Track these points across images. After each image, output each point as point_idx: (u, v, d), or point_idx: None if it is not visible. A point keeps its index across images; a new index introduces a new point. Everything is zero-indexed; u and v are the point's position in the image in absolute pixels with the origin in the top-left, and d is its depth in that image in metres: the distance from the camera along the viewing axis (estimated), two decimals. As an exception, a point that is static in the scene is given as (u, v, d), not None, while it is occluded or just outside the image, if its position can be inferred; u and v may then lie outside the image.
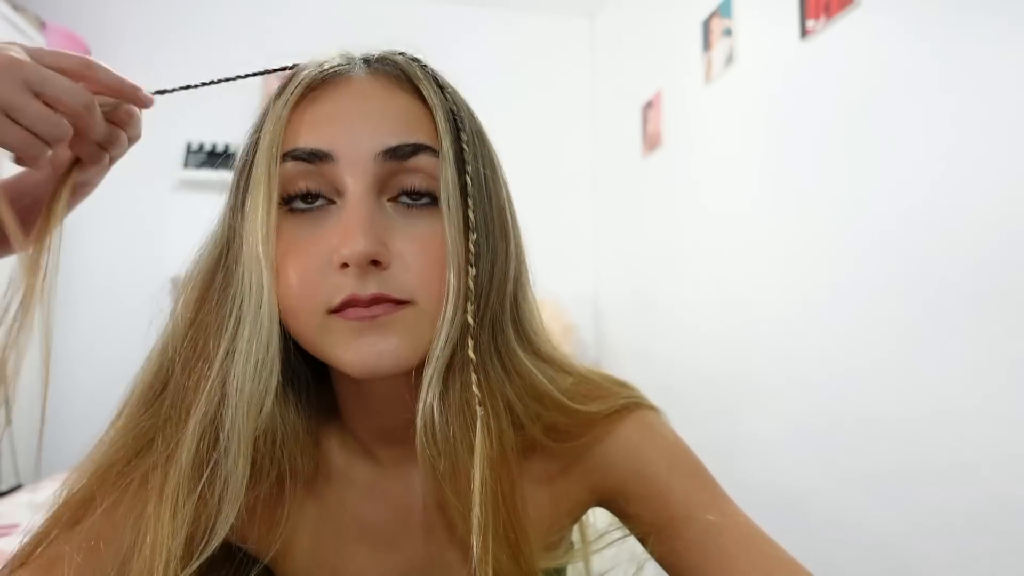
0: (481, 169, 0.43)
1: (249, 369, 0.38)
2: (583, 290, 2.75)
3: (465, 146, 0.42)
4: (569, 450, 0.47)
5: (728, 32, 1.77)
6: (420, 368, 0.40)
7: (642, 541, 0.47)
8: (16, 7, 1.93)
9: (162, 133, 2.40)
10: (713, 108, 1.86)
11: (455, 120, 0.42)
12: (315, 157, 0.39)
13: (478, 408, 0.40)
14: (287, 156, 0.40)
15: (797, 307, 1.48)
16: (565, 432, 0.46)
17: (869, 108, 1.27)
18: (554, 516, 0.49)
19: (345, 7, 2.64)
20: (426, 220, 0.40)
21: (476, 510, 0.39)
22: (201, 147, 2.43)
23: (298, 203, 0.40)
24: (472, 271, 0.40)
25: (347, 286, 0.38)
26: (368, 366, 0.38)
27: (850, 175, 1.32)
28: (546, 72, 2.84)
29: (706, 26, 1.89)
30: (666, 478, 0.46)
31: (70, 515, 0.40)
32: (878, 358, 1.23)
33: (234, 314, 0.39)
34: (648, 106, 2.29)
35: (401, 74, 0.43)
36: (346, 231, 0.38)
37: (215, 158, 2.42)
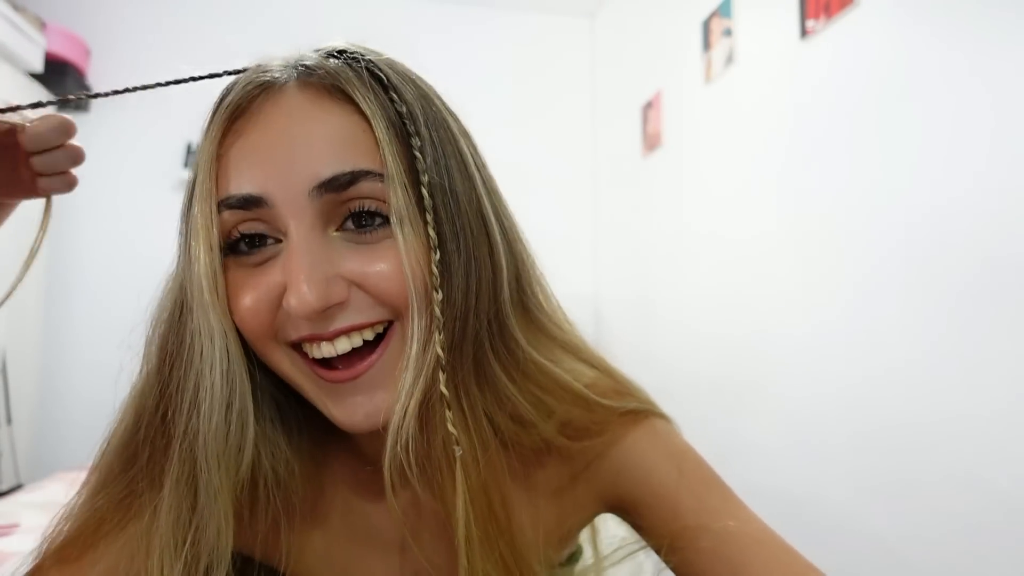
0: (443, 175, 0.39)
1: (216, 425, 0.37)
2: (583, 290, 2.75)
3: (418, 153, 0.38)
4: (581, 453, 0.46)
5: (728, 32, 1.77)
6: None
7: (656, 551, 0.46)
8: (16, 7, 1.93)
9: (162, 133, 2.40)
10: (713, 108, 1.86)
11: (403, 125, 0.38)
12: (249, 203, 0.37)
13: (456, 448, 0.37)
14: (222, 205, 0.37)
15: (797, 307, 1.48)
16: (583, 429, 0.45)
17: (869, 108, 1.27)
18: (561, 530, 0.48)
19: (345, 7, 2.64)
20: (385, 241, 0.37)
21: (461, 544, 0.38)
22: (201, 147, 2.43)
23: (242, 247, 0.38)
24: (438, 295, 0.37)
25: (304, 327, 0.36)
26: (359, 426, 0.37)
27: (851, 175, 1.32)
28: (546, 72, 2.84)
29: (706, 26, 1.89)
30: (675, 486, 0.44)
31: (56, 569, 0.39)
32: (879, 360, 1.23)
33: (194, 367, 0.38)
34: (648, 106, 2.29)
35: (334, 84, 0.38)
36: (291, 281, 0.35)
37: (215, 158, 2.42)
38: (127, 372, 0.42)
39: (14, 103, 0.44)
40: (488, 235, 0.41)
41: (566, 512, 0.48)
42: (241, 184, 0.37)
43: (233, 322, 0.38)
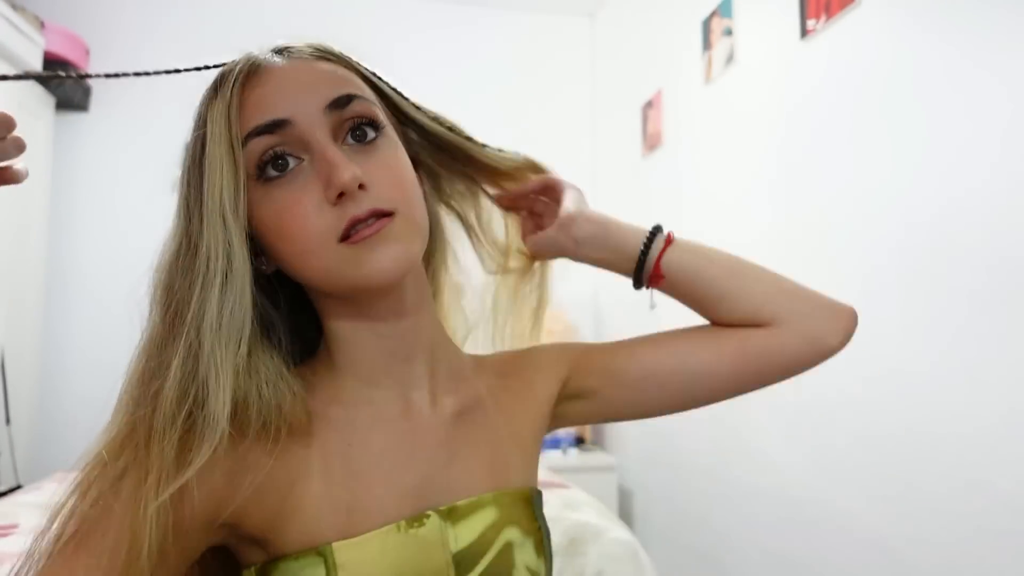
0: (412, 110, 0.56)
1: (225, 314, 0.44)
2: (583, 291, 2.75)
3: (397, 97, 0.55)
4: (512, 374, 0.61)
5: (728, 32, 1.77)
6: (413, 283, 0.52)
7: (611, 390, 0.61)
8: (15, 7, 1.93)
9: (161, 133, 2.39)
10: (713, 108, 1.86)
11: (376, 76, 0.54)
12: (276, 126, 0.45)
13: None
14: (250, 135, 0.45)
15: (797, 307, 1.48)
16: None
17: (869, 108, 1.27)
18: (531, 427, 0.59)
19: (344, 6, 2.64)
20: (378, 148, 0.48)
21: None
22: (201, 147, 2.43)
23: (270, 171, 0.46)
24: (426, 186, 0.56)
25: (346, 212, 0.44)
26: (389, 270, 0.45)
27: (851, 175, 1.32)
28: (546, 72, 2.84)
29: (706, 26, 1.89)
30: (591, 346, 0.65)
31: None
32: (880, 359, 1.23)
33: (201, 277, 0.44)
34: (648, 106, 2.29)
35: (314, 52, 0.51)
36: (332, 169, 0.44)
37: (215, 158, 2.42)
38: (138, 325, 0.46)
39: None
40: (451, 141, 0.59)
41: (533, 411, 0.60)
42: (265, 114, 0.46)
43: (246, 243, 0.45)
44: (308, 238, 0.45)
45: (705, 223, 1.90)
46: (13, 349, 1.98)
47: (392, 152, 0.49)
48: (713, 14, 1.85)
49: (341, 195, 0.44)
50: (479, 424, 0.56)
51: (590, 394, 0.62)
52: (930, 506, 1.11)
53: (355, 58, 0.53)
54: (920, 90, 1.15)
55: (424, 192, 0.53)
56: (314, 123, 0.46)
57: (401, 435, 0.52)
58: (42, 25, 2.08)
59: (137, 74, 0.53)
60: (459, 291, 0.66)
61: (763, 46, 1.63)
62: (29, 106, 2.07)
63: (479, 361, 0.62)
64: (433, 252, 0.62)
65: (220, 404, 0.42)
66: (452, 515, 0.49)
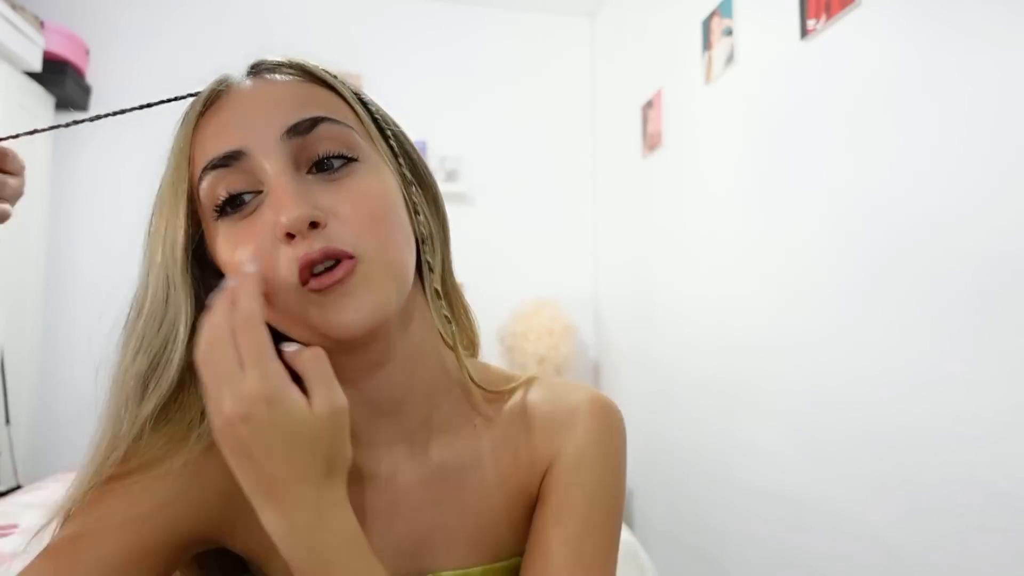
0: (402, 136, 0.50)
1: (142, 370, 0.43)
2: (583, 290, 2.75)
3: (378, 116, 0.49)
4: (540, 435, 0.51)
5: (728, 32, 1.77)
6: (399, 326, 0.46)
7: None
8: (15, 7, 1.93)
9: (161, 134, 2.39)
10: (713, 108, 1.86)
11: (358, 96, 0.48)
12: (229, 159, 0.42)
13: (450, 327, 0.49)
14: (205, 169, 0.43)
15: (797, 308, 1.48)
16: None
17: (870, 108, 1.27)
18: (526, 510, 0.51)
19: (344, 6, 2.64)
20: (349, 178, 0.43)
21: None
22: (200, 147, 2.42)
23: (227, 209, 0.43)
24: (419, 216, 0.48)
25: (297, 252, 0.40)
26: (353, 325, 0.41)
27: (851, 175, 1.32)
28: (546, 72, 2.83)
29: (706, 26, 1.89)
30: (570, 516, 0.48)
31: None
32: (879, 361, 1.23)
33: (139, 325, 0.44)
34: (648, 106, 2.29)
35: (287, 69, 0.47)
36: (279, 204, 0.40)
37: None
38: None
39: None
40: (436, 185, 0.52)
41: (531, 496, 0.51)
42: (220, 145, 0.43)
43: (188, 287, 0.44)
44: (255, 277, 0.41)
45: (705, 223, 1.90)
46: (13, 349, 1.98)
47: (366, 182, 0.44)
48: (713, 14, 1.85)
49: (291, 235, 0.40)
50: (471, 484, 0.50)
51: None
52: (930, 506, 1.11)
53: (339, 75, 0.49)
54: (919, 89, 1.15)
55: (412, 220, 0.48)
56: (269, 152, 0.42)
57: (380, 496, 0.48)
58: (42, 25, 2.08)
59: (142, 107, 0.53)
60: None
61: (763, 46, 1.63)
62: (29, 106, 2.07)
63: (521, 402, 0.53)
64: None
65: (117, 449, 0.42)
66: None
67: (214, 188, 0.42)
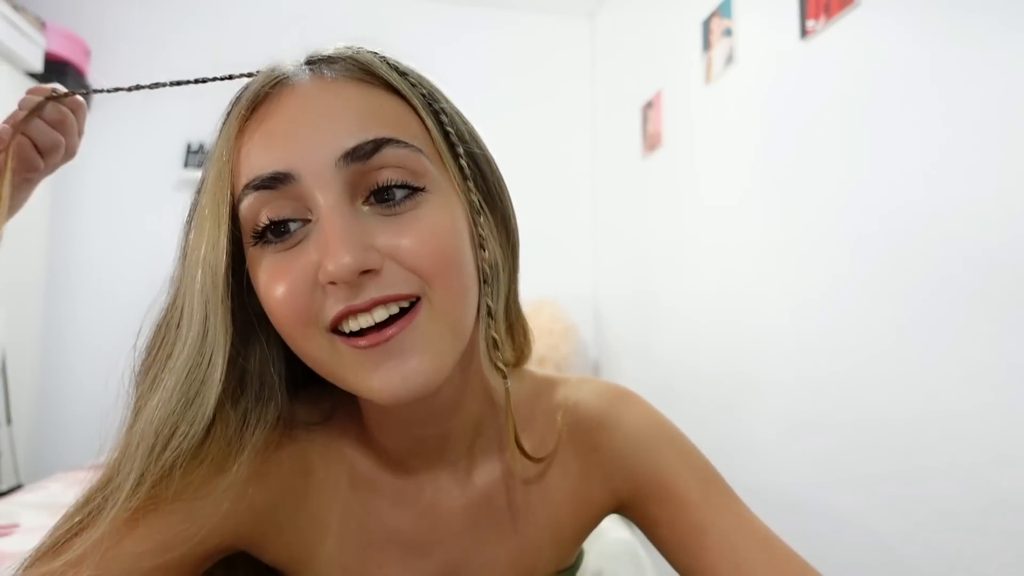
0: (473, 148, 0.43)
1: (174, 404, 0.37)
2: (583, 290, 2.75)
3: (449, 128, 0.41)
4: (581, 441, 0.48)
5: (728, 32, 1.77)
6: (452, 377, 0.39)
7: (662, 548, 0.46)
8: (16, 7, 1.93)
9: (162, 133, 2.40)
10: (713, 108, 1.86)
11: (428, 103, 0.41)
12: (276, 181, 0.36)
13: (505, 381, 0.41)
14: (247, 188, 0.37)
15: (798, 307, 1.48)
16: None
17: (869, 108, 1.27)
18: (575, 527, 0.49)
19: (344, 6, 2.64)
20: (413, 212, 0.37)
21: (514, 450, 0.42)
22: (201, 147, 2.43)
23: (269, 236, 0.37)
24: (485, 253, 0.40)
25: (339, 299, 0.36)
26: (397, 394, 0.36)
27: (850, 175, 1.32)
28: (546, 72, 2.84)
29: (706, 26, 1.89)
30: (682, 479, 0.46)
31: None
32: (879, 357, 1.23)
33: (171, 354, 0.38)
34: (648, 106, 2.29)
35: (351, 67, 0.40)
36: (327, 247, 0.35)
37: (215, 158, 2.42)
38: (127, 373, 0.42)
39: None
40: (510, 204, 0.46)
41: (581, 513, 0.49)
42: (265, 165, 0.37)
43: (227, 317, 0.39)
44: (286, 319, 0.37)
45: (705, 223, 1.90)
46: (14, 349, 1.98)
47: (433, 217, 0.38)
48: (713, 14, 1.85)
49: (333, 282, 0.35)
50: (514, 505, 0.48)
51: (643, 526, 0.49)
52: (930, 506, 1.11)
53: (412, 72, 0.42)
54: (919, 89, 1.15)
55: (478, 257, 0.41)
56: (322, 179, 0.36)
57: (422, 520, 0.47)
58: (43, 25, 2.08)
59: (168, 84, 0.48)
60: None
61: (763, 46, 1.63)
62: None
63: (550, 405, 0.50)
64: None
65: (129, 484, 0.37)
66: None
67: (256, 211, 0.37)
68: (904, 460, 1.16)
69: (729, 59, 1.76)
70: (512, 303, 0.48)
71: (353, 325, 0.36)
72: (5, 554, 1.03)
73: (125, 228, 2.35)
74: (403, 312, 0.37)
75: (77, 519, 0.38)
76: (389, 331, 0.36)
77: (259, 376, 0.43)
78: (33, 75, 2.08)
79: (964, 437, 1.05)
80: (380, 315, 0.36)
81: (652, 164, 2.26)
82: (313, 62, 0.40)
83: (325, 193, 0.36)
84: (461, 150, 0.41)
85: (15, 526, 1.21)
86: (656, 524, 0.46)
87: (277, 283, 0.37)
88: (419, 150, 0.38)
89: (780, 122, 1.55)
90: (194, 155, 2.42)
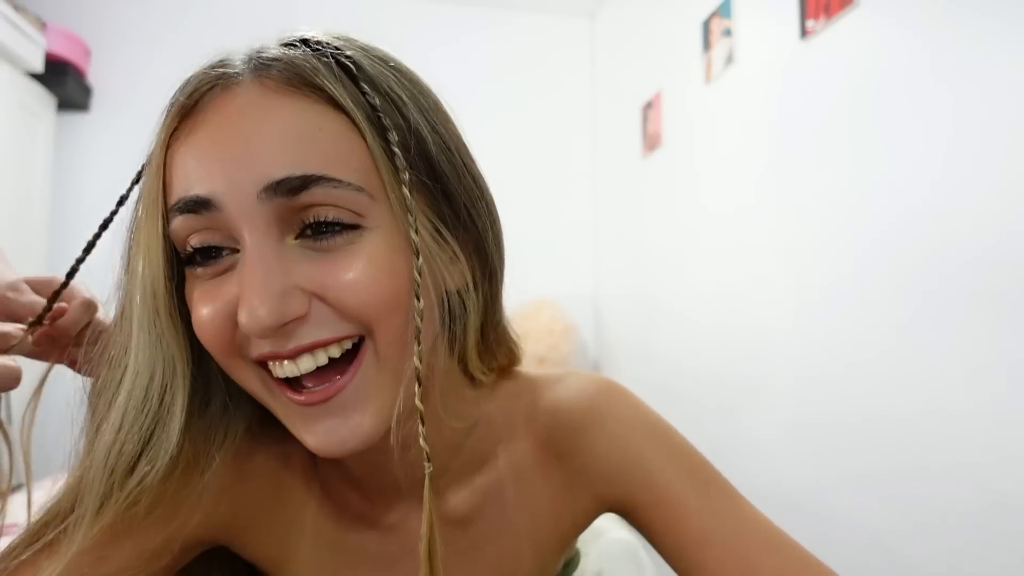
0: (432, 169, 0.37)
1: (127, 443, 0.35)
2: (583, 290, 2.75)
3: (396, 149, 0.35)
4: (562, 445, 0.46)
5: (728, 32, 1.77)
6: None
7: (664, 555, 0.44)
8: (17, 7, 1.93)
9: (162, 133, 2.40)
10: (713, 108, 1.86)
11: (378, 119, 0.35)
12: (199, 206, 0.33)
13: (426, 464, 0.33)
14: (174, 209, 0.34)
15: (797, 306, 1.48)
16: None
17: (869, 108, 1.27)
18: (558, 536, 0.48)
19: (344, 6, 2.64)
20: (345, 248, 0.34)
21: (423, 559, 0.34)
22: (201, 147, 2.43)
23: (197, 259, 0.35)
24: (419, 303, 0.34)
25: (263, 345, 0.34)
26: (334, 452, 0.34)
27: (850, 175, 1.32)
28: (546, 72, 2.84)
29: (706, 26, 1.89)
30: (679, 484, 0.43)
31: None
32: (879, 357, 1.23)
33: (120, 389, 0.36)
34: (648, 106, 2.29)
35: (291, 75, 0.35)
36: (243, 296, 0.32)
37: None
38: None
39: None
40: (487, 225, 0.41)
41: (563, 521, 0.47)
42: (190, 186, 0.34)
43: (177, 335, 0.36)
44: (211, 347, 0.35)
45: (705, 223, 1.90)
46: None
47: (371, 253, 0.34)
48: (713, 15, 1.85)
49: None
50: (492, 521, 0.46)
51: (640, 530, 0.46)
52: (930, 506, 1.11)
53: (370, 75, 0.36)
54: (918, 89, 1.15)
55: (439, 289, 0.38)
56: (245, 212, 0.33)
57: (390, 534, 0.46)
58: (43, 25, 2.09)
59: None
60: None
61: (763, 47, 1.63)
62: (30, 107, 2.07)
63: (531, 409, 0.47)
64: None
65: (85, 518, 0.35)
66: None
67: (184, 235, 0.35)
68: (904, 460, 1.16)
69: (729, 59, 1.76)
70: (492, 327, 0.45)
71: (279, 372, 0.34)
72: (5, 554, 1.02)
73: (125, 229, 2.35)
74: (346, 358, 0.35)
75: (25, 555, 0.37)
76: (331, 388, 0.34)
77: (224, 387, 0.41)
78: (33, 75, 2.08)
79: (964, 437, 1.05)
80: (306, 365, 0.34)
81: (652, 164, 2.26)
82: (256, 62, 0.36)
83: (249, 228, 0.33)
84: (406, 177, 0.34)
85: (15, 526, 1.21)
86: (652, 530, 0.44)
87: (203, 308, 0.34)
88: (357, 188, 0.33)
89: (780, 122, 1.55)
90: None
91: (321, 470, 0.47)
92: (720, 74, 1.81)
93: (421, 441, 0.33)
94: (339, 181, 0.33)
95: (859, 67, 1.30)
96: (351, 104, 0.34)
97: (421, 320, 0.33)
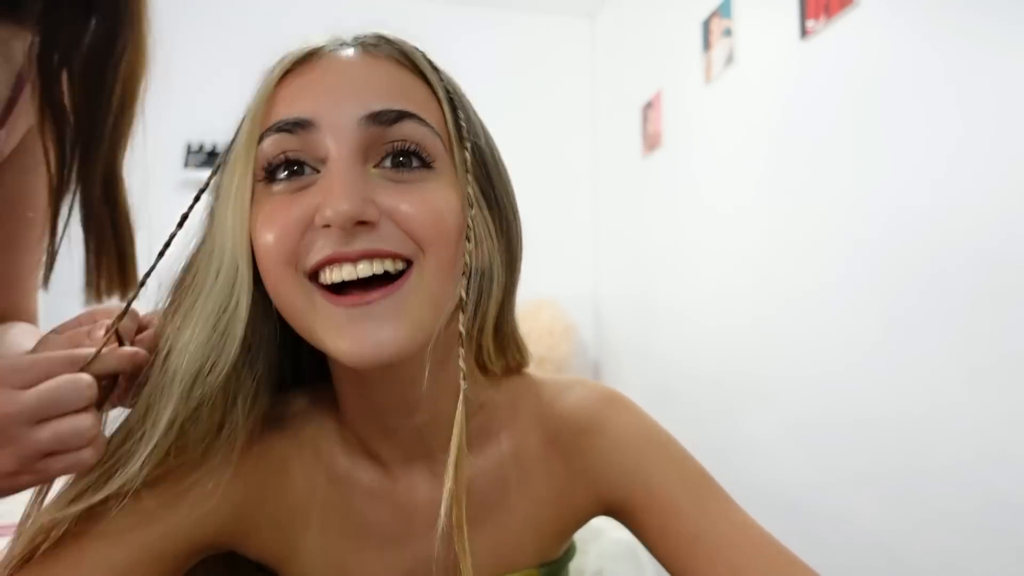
0: (484, 149, 0.44)
1: (196, 340, 0.38)
2: (583, 290, 2.75)
3: (464, 123, 0.42)
4: (567, 443, 0.48)
5: (728, 32, 1.77)
6: (428, 357, 0.39)
7: (656, 555, 0.46)
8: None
9: (162, 133, 2.39)
10: (713, 108, 1.86)
11: (449, 99, 0.43)
12: (296, 126, 0.38)
13: (462, 382, 0.38)
14: (269, 129, 0.39)
15: (797, 306, 1.48)
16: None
17: (868, 108, 1.27)
18: (556, 529, 0.49)
19: (344, 7, 2.64)
20: (418, 183, 0.39)
21: (447, 490, 0.37)
22: (201, 147, 2.43)
23: (280, 173, 0.39)
24: (470, 245, 0.39)
25: (329, 244, 0.36)
26: (365, 357, 0.36)
27: (850, 174, 1.32)
28: (546, 72, 2.84)
29: (706, 26, 1.89)
30: (675, 489, 0.45)
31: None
32: (879, 358, 1.23)
33: (192, 289, 0.39)
34: (648, 106, 2.29)
35: (391, 49, 0.42)
36: (329, 192, 0.36)
37: (215, 158, 2.42)
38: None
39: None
40: (513, 212, 0.46)
41: (564, 514, 0.49)
42: (292, 110, 0.38)
43: (249, 255, 0.39)
44: (271, 256, 0.37)
45: (705, 223, 1.90)
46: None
47: (437, 194, 0.39)
48: (713, 14, 1.85)
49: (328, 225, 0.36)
50: (492, 502, 0.47)
51: (634, 532, 0.48)
52: (930, 506, 1.11)
53: (441, 70, 0.44)
54: (918, 89, 1.15)
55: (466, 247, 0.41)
56: (341, 132, 0.37)
57: (398, 510, 0.47)
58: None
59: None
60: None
61: (763, 46, 1.63)
62: (30, 106, 2.07)
63: (538, 406, 0.50)
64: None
65: (161, 426, 0.37)
66: None
67: (274, 149, 0.38)
68: (904, 460, 1.16)
69: (729, 59, 1.76)
70: (506, 315, 0.47)
71: (335, 276, 0.37)
72: (4, 554, 1.02)
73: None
74: (388, 279, 0.38)
75: (98, 472, 0.39)
76: (373, 295, 0.37)
77: (253, 365, 0.43)
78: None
79: (964, 437, 1.05)
80: (364, 270, 0.37)
81: (652, 164, 2.26)
82: (359, 38, 0.43)
83: (340, 145, 0.37)
84: (469, 144, 0.42)
85: (15, 526, 1.21)
86: (647, 532, 0.46)
87: (273, 220, 0.38)
88: (436, 133, 0.40)
89: (779, 122, 1.55)
90: (194, 155, 2.42)
91: (330, 452, 0.48)
92: (720, 74, 1.81)
93: (460, 362, 0.38)
94: (425, 122, 0.39)
95: (859, 67, 1.30)
96: (436, 79, 0.42)
97: (471, 259, 0.39)
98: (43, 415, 0.35)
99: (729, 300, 1.76)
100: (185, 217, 0.43)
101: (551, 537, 0.49)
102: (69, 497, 0.39)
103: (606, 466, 0.47)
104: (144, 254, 0.51)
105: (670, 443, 0.48)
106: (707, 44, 1.89)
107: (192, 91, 2.47)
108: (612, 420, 0.48)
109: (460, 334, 0.38)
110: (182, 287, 0.41)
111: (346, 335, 0.36)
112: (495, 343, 0.48)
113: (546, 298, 2.51)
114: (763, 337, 1.60)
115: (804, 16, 1.45)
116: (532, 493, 0.48)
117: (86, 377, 0.37)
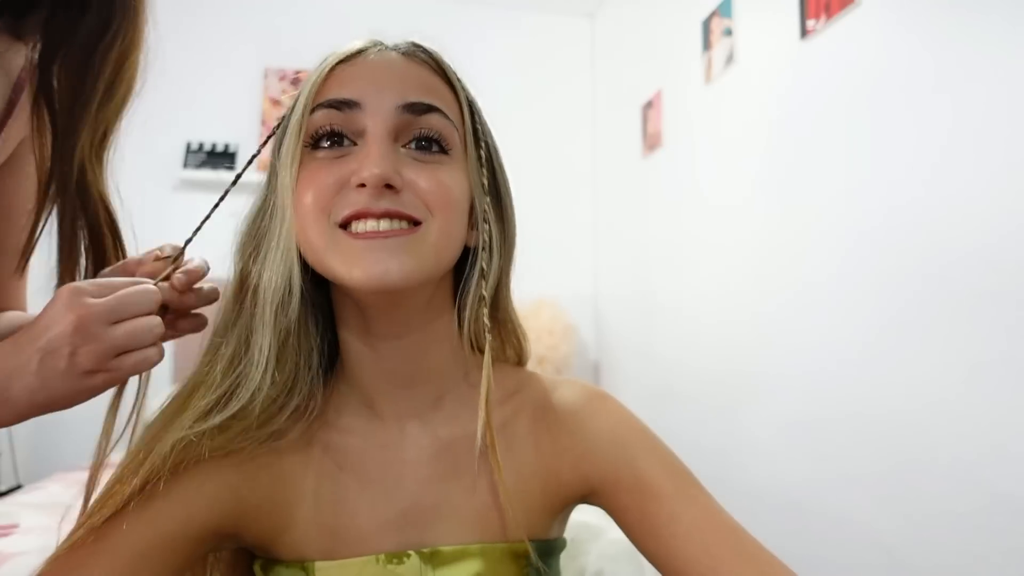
0: (493, 150, 0.53)
1: (276, 272, 0.45)
2: (583, 290, 2.75)
3: (479, 126, 0.52)
4: (555, 424, 0.53)
5: (728, 32, 1.77)
6: (422, 307, 0.49)
7: (631, 534, 0.50)
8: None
9: (162, 133, 2.40)
10: (713, 108, 1.86)
11: (468, 101, 0.52)
12: (343, 105, 0.46)
13: (486, 335, 0.49)
14: (321, 104, 0.46)
15: (797, 306, 1.48)
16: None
17: (869, 108, 1.27)
18: (544, 501, 0.52)
19: (345, 7, 2.64)
20: (436, 165, 0.47)
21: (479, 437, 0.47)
22: (201, 147, 2.42)
23: (324, 142, 0.47)
24: (487, 226, 0.50)
25: (359, 202, 0.44)
26: (374, 279, 0.43)
27: (850, 174, 1.32)
28: (546, 72, 2.84)
29: (706, 26, 1.89)
30: (658, 472, 0.49)
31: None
32: (878, 356, 1.23)
33: (268, 235, 0.47)
34: (648, 106, 2.29)
35: (425, 55, 0.51)
36: (367, 158, 0.44)
37: (215, 158, 2.42)
38: None
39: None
40: (510, 207, 0.55)
41: (550, 489, 0.52)
42: (342, 91, 0.47)
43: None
44: (310, 211, 0.45)
45: (705, 222, 1.90)
46: (13, 349, 1.98)
47: (449, 175, 0.47)
48: (713, 14, 1.85)
49: (363, 186, 0.44)
50: (480, 466, 0.50)
51: (613, 513, 0.52)
52: (930, 506, 1.11)
53: (464, 81, 0.53)
54: (918, 89, 1.15)
55: (469, 228, 0.51)
56: (380, 114, 0.46)
57: (389, 466, 0.50)
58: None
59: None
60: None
61: (763, 46, 1.63)
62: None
63: (534, 391, 0.55)
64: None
65: (262, 350, 0.45)
66: (434, 559, 0.48)
67: (321, 121, 0.46)
68: (903, 459, 1.16)
69: (729, 59, 1.76)
70: (502, 291, 0.54)
71: (360, 228, 0.44)
72: (5, 554, 1.03)
73: (126, 228, 2.35)
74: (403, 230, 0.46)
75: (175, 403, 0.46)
76: (390, 232, 0.44)
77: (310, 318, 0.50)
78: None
79: (964, 436, 1.05)
80: (385, 225, 0.44)
81: (652, 164, 2.26)
82: (400, 45, 0.51)
83: (378, 124, 0.46)
84: (483, 143, 0.51)
85: (15, 526, 1.21)
86: (626, 512, 0.49)
87: (315, 176, 0.45)
88: (455, 128, 0.49)
89: (780, 122, 1.56)
90: (194, 155, 2.42)
91: (327, 433, 0.51)
92: (720, 74, 1.81)
93: (485, 319, 0.50)
94: (448, 117, 0.48)
95: (859, 67, 1.30)
96: (460, 88, 0.52)
97: (486, 221, 0.50)
98: (119, 316, 0.43)
99: (729, 299, 1.76)
100: (239, 177, 0.53)
101: (538, 512, 0.52)
102: (194, 416, 0.44)
103: (593, 445, 0.51)
104: (146, 246, 0.54)
105: (655, 438, 0.53)
106: (707, 44, 1.89)
107: (192, 91, 2.47)
108: (602, 408, 0.54)
109: (482, 296, 0.50)
110: (256, 233, 0.48)
111: (360, 263, 0.43)
112: (494, 325, 0.53)
113: (546, 298, 2.51)
114: (763, 336, 1.60)
115: (804, 16, 1.45)
116: (520, 467, 0.51)
117: (152, 287, 0.46)
